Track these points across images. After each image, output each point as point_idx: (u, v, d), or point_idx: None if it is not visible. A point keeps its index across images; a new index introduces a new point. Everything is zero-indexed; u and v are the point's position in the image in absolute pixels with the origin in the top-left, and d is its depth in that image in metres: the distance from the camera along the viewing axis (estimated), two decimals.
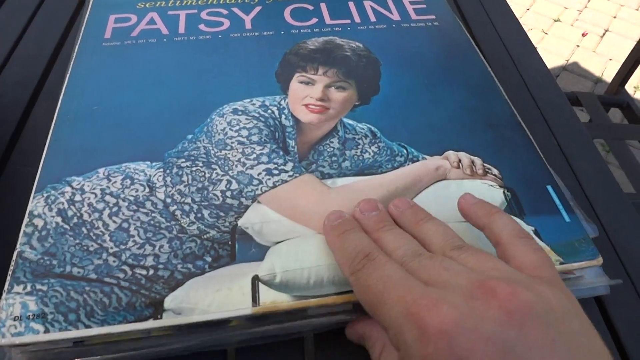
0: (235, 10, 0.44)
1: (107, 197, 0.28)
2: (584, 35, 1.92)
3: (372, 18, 0.43)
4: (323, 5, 0.45)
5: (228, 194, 0.29)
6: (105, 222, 0.27)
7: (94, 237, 0.26)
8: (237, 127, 0.32)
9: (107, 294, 0.24)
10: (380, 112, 0.35)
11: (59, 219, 0.27)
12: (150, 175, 0.29)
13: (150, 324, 0.23)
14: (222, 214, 0.28)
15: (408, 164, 0.31)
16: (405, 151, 0.32)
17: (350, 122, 0.34)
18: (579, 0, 2.08)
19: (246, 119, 0.33)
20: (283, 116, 0.33)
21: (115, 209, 0.28)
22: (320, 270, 0.25)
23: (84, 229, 0.27)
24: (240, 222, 0.28)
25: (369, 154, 0.32)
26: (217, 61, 0.38)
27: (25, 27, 0.48)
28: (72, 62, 0.37)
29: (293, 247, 0.27)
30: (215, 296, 0.24)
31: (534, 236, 0.26)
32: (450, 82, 0.37)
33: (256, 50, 0.39)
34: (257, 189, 0.29)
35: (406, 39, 0.41)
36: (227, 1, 0.45)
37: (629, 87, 1.23)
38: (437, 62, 0.39)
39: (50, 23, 0.48)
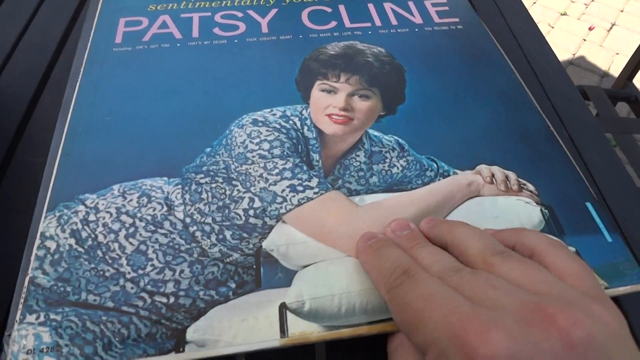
0: (251, 12, 0.42)
1: (123, 217, 0.27)
2: (590, 29, 1.89)
3: (394, 21, 0.42)
4: (342, 8, 0.43)
5: (251, 212, 0.27)
6: (121, 244, 0.25)
7: (110, 261, 0.25)
8: (257, 140, 0.30)
9: (125, 325, 0.23)
10: (406, 122, 0.33)
11: (72, 241, 0.25)
12: (168, 193, 0.28)
13: (172, 357, 0.22)
14: (245, 234, 0.26)
15: (439, 179, 0.30)
16: (435, 165, 0.30)
17: (376, 133, 0.32)
18: None
19: (267, 130, 0.31)
20: (305, 127, 0.31)
21: (132, 230, 0.26)
22: (351, 297, 0.24)
23: (99, 252, 0.25)
24: (264, 244, 0.26)
25: (398, 168, 0.30)
26: (234, 67, 0.36)
27: (32, 15, 0.46)
28: (82, 69, 0.35)
29: (321, 272, 0.25)
30: (241, 326, 0.23)
31: None
32: (479, 91, 0.36)
33: (274, 55, 0.37)
34: (281, 207, 0.27)
35: (430, 43, 0.40)
36: (242, 3, 0.43)
37: (636, 81, 1.20)
38: (464, 68, 0.37)
39: (56, 11, 0.47)
